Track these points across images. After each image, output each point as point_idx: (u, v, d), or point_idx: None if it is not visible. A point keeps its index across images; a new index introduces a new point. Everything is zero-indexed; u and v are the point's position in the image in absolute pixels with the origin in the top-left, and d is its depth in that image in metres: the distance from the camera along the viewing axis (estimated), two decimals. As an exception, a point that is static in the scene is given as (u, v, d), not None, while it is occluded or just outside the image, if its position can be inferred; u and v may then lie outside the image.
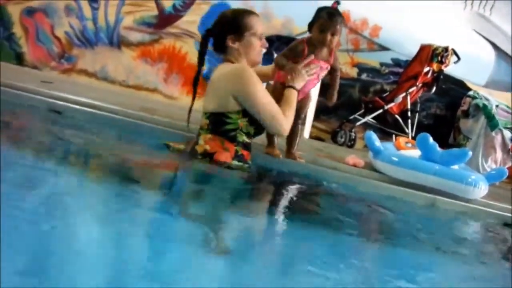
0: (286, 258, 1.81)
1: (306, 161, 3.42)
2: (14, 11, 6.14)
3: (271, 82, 3.36)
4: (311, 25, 3.12)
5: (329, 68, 3.19)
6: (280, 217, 2.37)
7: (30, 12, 6.12)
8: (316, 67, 3.08)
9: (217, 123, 2.86)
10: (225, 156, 2.80)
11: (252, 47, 2.91)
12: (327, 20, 3.04)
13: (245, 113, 2.82)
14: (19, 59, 6.13)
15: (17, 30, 6.16)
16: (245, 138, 2.87)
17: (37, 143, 2.73)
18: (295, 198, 2.83)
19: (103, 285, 1.25)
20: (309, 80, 3.12)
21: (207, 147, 2.83)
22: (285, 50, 3.20)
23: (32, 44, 6.14)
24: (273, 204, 2.64)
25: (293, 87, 3.01)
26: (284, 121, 2.89)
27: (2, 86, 3.82)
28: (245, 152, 2.88)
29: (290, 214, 2.41)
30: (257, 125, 2.87)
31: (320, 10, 3.10)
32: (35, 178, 2.07)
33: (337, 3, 3.13)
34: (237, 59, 2.92)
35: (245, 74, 2.81)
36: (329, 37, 3.05)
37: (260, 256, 1.76)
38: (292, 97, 2.99)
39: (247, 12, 2.97)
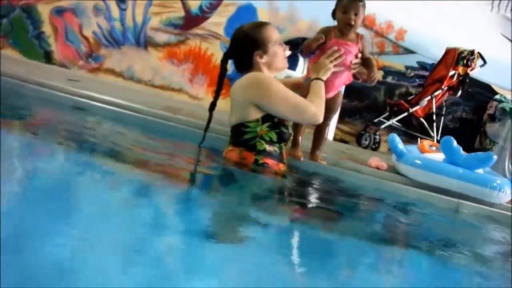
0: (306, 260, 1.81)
1: (328, 163, 3.42)
2: (44, 10, 6.23)
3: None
4: (334, 12, 3.19)
5: (358, 53, 3.19)
6: (297, 218, 2.37)
7: (59, 11, 6.21)
8: (341, 57, 3.08)
9: (237, 134, 2.88)
10: (242, 165, 2.84)
11: (277, 55, 2.93)
12: (349, 1, 3.11)
13: (264, 119, 2.81)
14: (48, 57, 6.22)
15: (47, 29, 6.25)
16: (267, 147, 2.83)
17: (58, 138, 2.79)
18: (314, 200, 2.84)
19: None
20: (339, 72, 3.14)
21: (226, 157, 2.91)
22: (314, 35, 3.24)
23: (61, 43, 6.23)
24: (290, 205, 2.63)
25: (319, 79, 3.00)
26: (311, 107, 2.84)
27: (29, 83, 3.90)
28: (269, 161, 2.85)
29: (307, 216, 2.41)
30: (278, 130, 2.84)
31: None
32: (54, 172, 2.10)
33: None
34: (262, 71, 2.92)
35: (260, 79, 2.84)
36: (352, 16, 3.10)
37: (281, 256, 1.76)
38: (318, 86, 2.98)
39: (261, 25, 2.99)
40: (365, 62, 3.21)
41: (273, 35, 2.93)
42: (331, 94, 3.19)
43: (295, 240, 2.02)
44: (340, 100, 3.36)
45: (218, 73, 3.03)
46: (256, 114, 2.81)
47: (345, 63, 3.13)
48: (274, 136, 2.84)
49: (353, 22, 3.11)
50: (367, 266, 1.86)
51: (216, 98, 3.04)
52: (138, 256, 1.39)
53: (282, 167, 2.92)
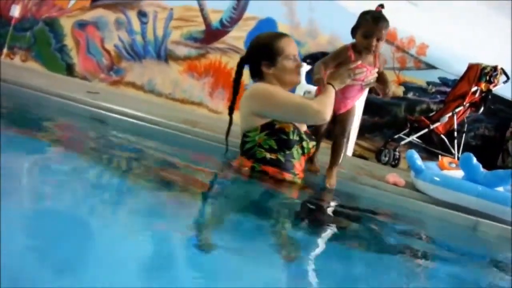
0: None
1: (344, 178, 3.37)
2: (67, 24, 6.35)
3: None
4: (354, 30, 2.94)
5: (375, 74, 2.99)
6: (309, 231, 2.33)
7: (81, 25, 6.31)
8: (362, 72, 2.91)
9: (241, 144, 2.87)
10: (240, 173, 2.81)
11: (286, 70, 2.86)
12: (372, 25, 2.83)
13: (263, 127, 2.76)
14: (70, 70, 6.31)
15: (69, 42, 6.36)
16: (267, 154, 2.77)
17: (76, 148, 2.81)
18: (329, 215, 2.79)
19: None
20: (353, 87, 2.99)
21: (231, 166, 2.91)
22: (326, 57, 3.03)
23: (83, 56, 6.31)
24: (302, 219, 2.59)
25: (332, 85, 2.86)
26: (313, 105, 2.73)
27: (51, 95, 3.94)
28: (269, 169, 2.77)
29: (319, 229, 2.38)
30: (277, 137, 2.76)
31: (364, 14, 2.91)
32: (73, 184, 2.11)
33: (381, 6, 3.00)
34: (272, 83, 2.87)
35: (259, 89, 2.82)
36: (374, 42, 2.84)
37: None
38: (328, 90, 2.82)
39: (278, 36, 2.94)
40: (379, 76, 3.04)
41: (286, 49, 2.86)
42: (340, 111, 3.10)
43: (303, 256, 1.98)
44: (353, 115, 3.24)
45: (234, 79, 3.00)
46: (256, 123, 2.78)
47: (361, 85, 2.99)
48: (273, 143, 2.76)
49: (374, 49, 2.88)
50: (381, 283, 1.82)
51: (233, 102, 2.99)
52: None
53: (288, 176, 2.82)
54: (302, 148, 2.89)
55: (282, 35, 2.96)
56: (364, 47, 2.88)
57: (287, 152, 2.81)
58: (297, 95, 2.88)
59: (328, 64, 2.98)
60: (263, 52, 2.88)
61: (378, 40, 2.86)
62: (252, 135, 2.80)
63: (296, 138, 2.82)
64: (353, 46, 2.95)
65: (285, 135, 2.77)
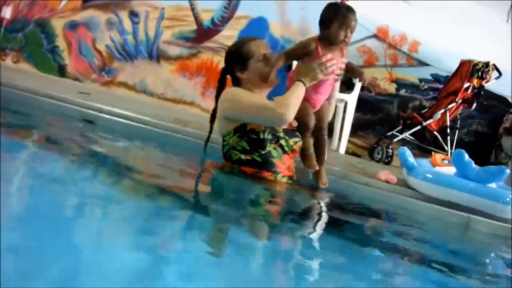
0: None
1: (336, 176, 3.36)
2: (58, 24, 6.33)
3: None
4: (324, 22, 2.87)
5: (343, 66, 2.95)
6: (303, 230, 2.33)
7: (73, 26, 6.30)
8: (333, 65, 2.84)
9: (222, 148, 2.95)
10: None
11: (259, 71, 2.89)
12: (347, 16, 2.81)
13: (236, 130, 2.82)
14: (62, 71, 6.30)
15: (61, 43, 6.35)
16: (241, 156, 2.83)
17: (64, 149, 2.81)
18: (320, 212, 2.79)
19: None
20: (325, 82, 2.93)
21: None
22: (290, 49, 3.05)
23: (74, 57, 6.30)
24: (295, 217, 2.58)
25: (301, 81, 2.81)
26: (276, 108, 2.72)
27: (43, 96, 3.94)
28: (247, 169, 2.84)
29: (308, 226, 2.38)
30: (248, 137, 2.81)
31: (334, 6, 2.89)
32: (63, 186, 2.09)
33: None
34: (251, 88, 2.92)
35: (227, 93, 2.89)
36: (349, 34, 2.83)
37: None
38: (297, 88, 2.79)
39: (246, 40, 3.00)
40: (346, 66, 2.99)
41: (256, 51, 2.91)
42: (316, 109, 3.03)
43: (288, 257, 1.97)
44: (329, 110, 3.14)
45: (216, 88, 3.05)
46: (230, 127, 2.85)
47: (332, 78, 2.94)
48: (245, 145, 2.82)
49: (347, 40, 2.85)
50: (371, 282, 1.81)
51: (215, 111, 3.03)
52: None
53: (268, 175, 2.84)
54: (281, 146, 2.87)
55: (250, 39, 3.02)
56: (336, 38, 2.84)
57: (262, 152, 2.83)
58: (261, 99, 2.87)
59: (290, 56, 2.99)
60: (235, 59, 2.95)
61: (351, 31, 2.85)
62: (227, 138, 2.88)
63: (268, 136, 2.82)
64: (320, 38, 2.90)
65: (256, 135, 2.81)
